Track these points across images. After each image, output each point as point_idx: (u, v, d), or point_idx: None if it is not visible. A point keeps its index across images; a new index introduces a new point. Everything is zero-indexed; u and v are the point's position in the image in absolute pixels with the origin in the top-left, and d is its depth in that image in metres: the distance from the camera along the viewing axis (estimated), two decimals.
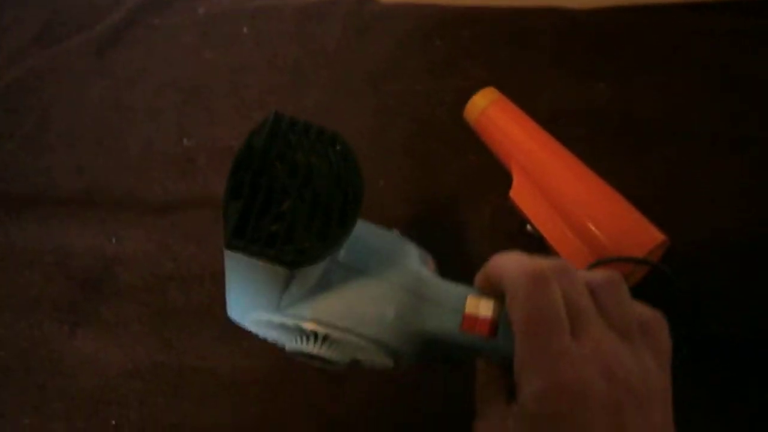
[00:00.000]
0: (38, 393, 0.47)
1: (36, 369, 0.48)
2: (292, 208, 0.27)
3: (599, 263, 0.45)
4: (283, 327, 0.32)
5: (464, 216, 0.51)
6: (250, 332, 0.35)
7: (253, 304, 0.32)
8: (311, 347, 0.31)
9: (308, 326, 0.31)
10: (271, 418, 0.45)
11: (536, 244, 0.48)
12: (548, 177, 0.49)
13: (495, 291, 0.30)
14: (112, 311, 0.50)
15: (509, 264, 0.28)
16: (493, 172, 0.53)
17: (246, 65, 0.64)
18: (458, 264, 0.49)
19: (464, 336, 0.31)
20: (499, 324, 0.30)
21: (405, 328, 0.31)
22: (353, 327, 0.31)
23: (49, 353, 0.48)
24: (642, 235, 0.44)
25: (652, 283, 0.46)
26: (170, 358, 0.48)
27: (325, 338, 0.31)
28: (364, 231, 0.33)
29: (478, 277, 0.32)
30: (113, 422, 0.45)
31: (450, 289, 0.32)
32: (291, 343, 0.32)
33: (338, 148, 0.29)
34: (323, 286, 0.31)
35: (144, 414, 0.46)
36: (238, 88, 0.63)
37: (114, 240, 0.54)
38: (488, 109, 0.53)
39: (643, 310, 0.28)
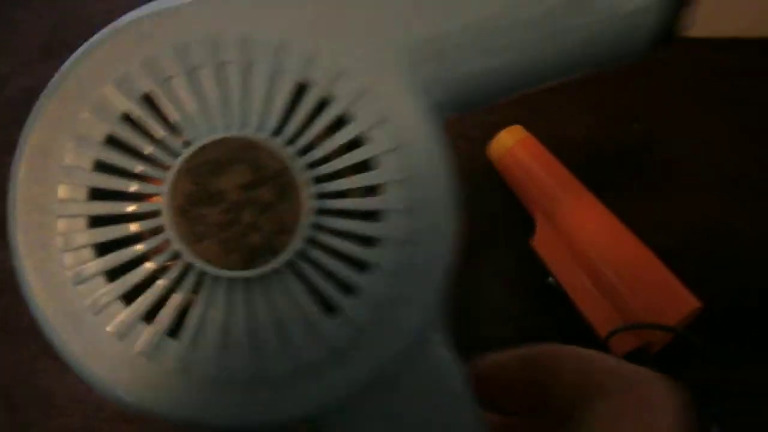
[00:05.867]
0: None
1: (23, 406, 0.45)
2: None
3: (625, 329, 0.42)
4: None
5: (484, 263, 0.48)
6: None
7: None
8: None
9: None
10: None
11: (559, 299, 0.45)
12: (575, 229, 0.45)
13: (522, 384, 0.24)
14: None
15: (612, 361, 0.22)
16: (517, 216, 0.49)
17: None
18: (477, 317, 0.47)
19: None
20: None
21: None
22: None
23: (39, 390, 0.46)
24: (675, 301, 0.41)
25: (678, 349, 0.43)
26: None
27: None
28: None
29: (510, 359, 0.25)
30: None
31: None
32: None
33: None
34: None
35: None
36: None
37: None
38: (515, 147, 0.49)
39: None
